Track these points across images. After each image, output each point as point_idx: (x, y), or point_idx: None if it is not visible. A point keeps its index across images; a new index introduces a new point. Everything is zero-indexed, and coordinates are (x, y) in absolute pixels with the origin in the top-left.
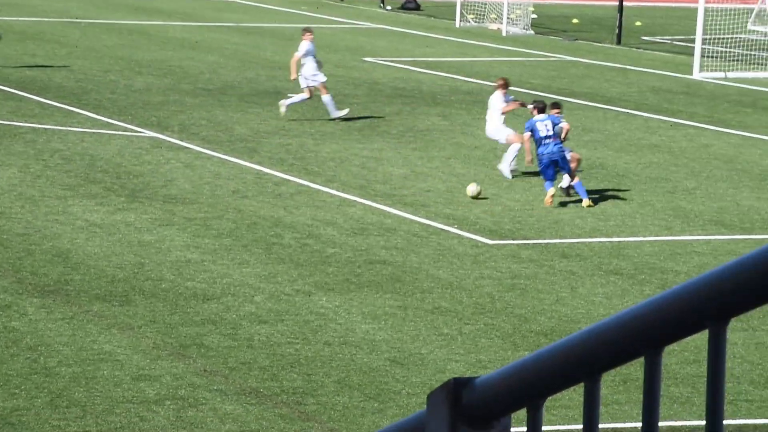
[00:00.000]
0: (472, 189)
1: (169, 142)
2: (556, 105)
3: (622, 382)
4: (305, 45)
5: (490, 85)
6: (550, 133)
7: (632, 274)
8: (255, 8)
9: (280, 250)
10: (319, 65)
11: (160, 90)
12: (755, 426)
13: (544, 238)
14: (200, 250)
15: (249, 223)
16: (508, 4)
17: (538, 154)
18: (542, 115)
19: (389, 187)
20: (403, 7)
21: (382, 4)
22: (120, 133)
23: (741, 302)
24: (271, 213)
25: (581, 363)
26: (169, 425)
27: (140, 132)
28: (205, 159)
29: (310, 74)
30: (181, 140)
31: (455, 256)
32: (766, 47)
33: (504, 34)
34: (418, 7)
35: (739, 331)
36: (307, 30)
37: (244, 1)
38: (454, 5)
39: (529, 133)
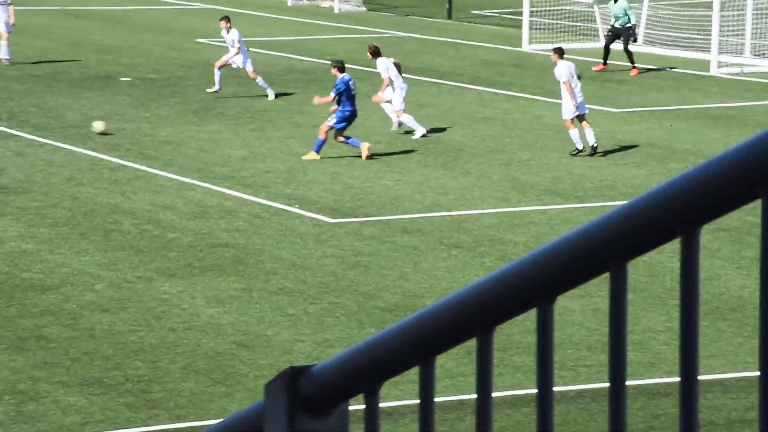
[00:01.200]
0: (98, 126)
1: None
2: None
3: (466, 354)
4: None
5: (324, 63)
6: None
7: (472, 246)
8: None
9: (120, 237)
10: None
11: None
12: (594, 390)
13: (386, 215)
14: (36, 240)
15: (86, 210)
16: None
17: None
18: (346, 75)
19: (228, 169)
20: None
21: None
22: None
23: (567, 280)
24: (108, 199)
25: (414, 346)
26: (8, 421)
27: None
28: (36, 147)
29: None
30: (11, 128)
31: (298, 236)
32: (592, 19)
33: (336, 11)
34: None
35: (577, 298)
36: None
37: None
38: None
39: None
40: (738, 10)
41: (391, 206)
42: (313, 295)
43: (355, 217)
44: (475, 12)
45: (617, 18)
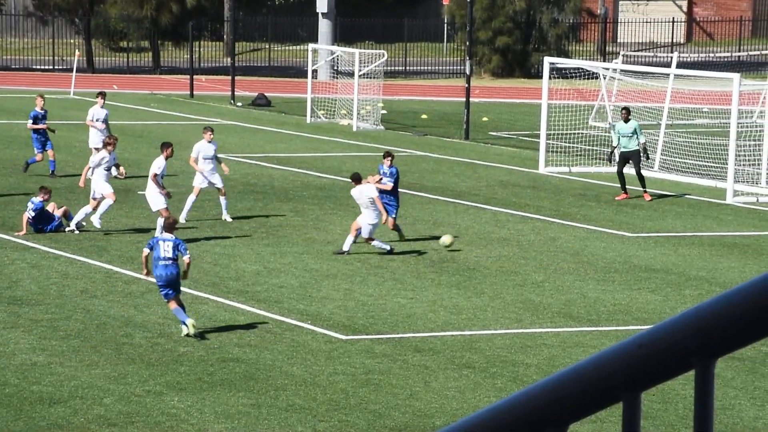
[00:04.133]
0: (445, 239)
1: (14, 242)
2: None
3: None
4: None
5: (342, 180)
6: None
7: (484, 367)
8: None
9: (131, 350)
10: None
11: (3, 188)
12: None
13: (398, 333)
14: (47, 352)
15: (98, 323)
16: (358, 100)
17: None
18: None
19: (242, 283)
20: (254, 104)
21: (232, 101)
22: None
23: (579, 410)
24: (121, 312)
25: None
26: None
27: None
28: (52, 259)
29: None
30: (27, 240)
31: (309, 352)
32: (606, 142)
33: (354, 129)
34: (268, 103)
35: (588, 422)
36: (207, 129)
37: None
38: (305, 101)
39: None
40: (754, 139)
41: (404, 324)
42: (322, 413)
43: (368, 334)
44: (492, 133)
45: (627, 138)
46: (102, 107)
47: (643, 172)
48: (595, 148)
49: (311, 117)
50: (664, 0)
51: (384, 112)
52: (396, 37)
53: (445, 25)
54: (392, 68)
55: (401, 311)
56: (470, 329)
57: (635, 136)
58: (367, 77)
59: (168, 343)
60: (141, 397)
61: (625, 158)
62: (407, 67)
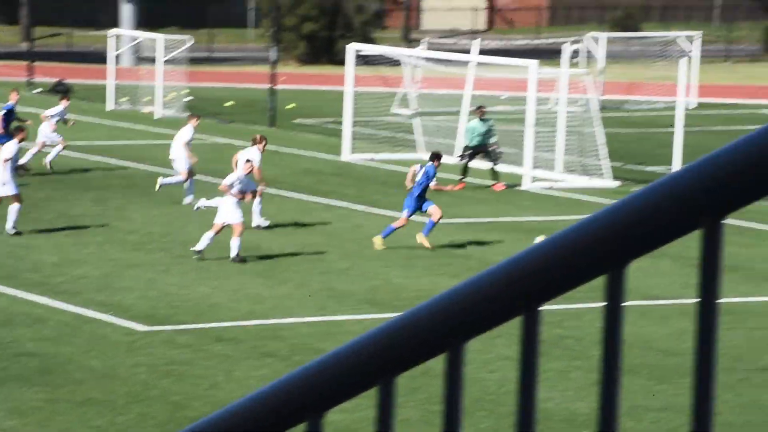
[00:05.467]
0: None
1: None
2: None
3: None
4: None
5: (144, 169)
6: None
7: (287, 355)
8: None
9: None
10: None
11: None
12: None
13: (201, 323)
14: None
15: None
16: (162, 87)
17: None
18: None
19: (40, 275)
20: (54, 90)
21: (29, 87)
22: None
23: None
24: None
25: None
26: None
27: None
28: None
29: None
30: None
31: (109, 345)
32: (409, 129)
33: (158, 116)
34: (69, 90)
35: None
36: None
37: None
38: (105, 88)
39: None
40: (550, 126)
41: (207, 314)
42: (121, 406)
43: (170, 324)
44: (298, 120)
45: (481, 135)
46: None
47: (452, 160)
48: (398, 135)
49: (114, 104)
50: None
51: (189, 98)
52: (201, 22)
53: (251, 10)
54: (197, 54)
55: (204, 301)
56: (274, 318)
57: (489, 134)
58: (171, 63)
59: None
60: None
61: (479, 152)
62: (213, 54)
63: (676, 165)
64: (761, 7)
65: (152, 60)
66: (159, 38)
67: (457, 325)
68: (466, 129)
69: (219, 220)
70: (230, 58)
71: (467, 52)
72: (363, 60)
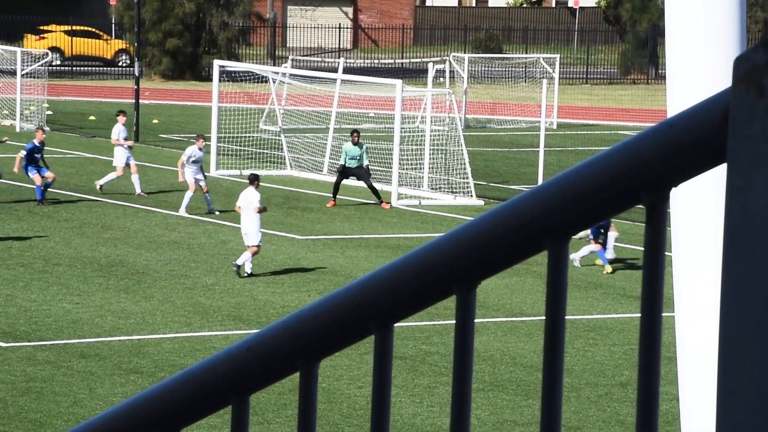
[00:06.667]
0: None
1: None
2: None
3: None
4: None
5: (2, 182)
6: None
7: (152, 371)
8: None
9: None
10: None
11: None
12: None
13: (62, 339)
14: None
15: None
16: (22, 100)
17: None
18: None
19: None
20: None
21: None
22: None
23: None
24: None
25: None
26: None
27: None
28: None
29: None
30: None
31: None
32: (276, 146)
33: (18, 130)
34: None
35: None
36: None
37: None
38: None
39: None
40: (417, 144)
41: (69, 330)
42: None
43: (30, 341)
44: (162, 135)
45: (355, 159)
46: (201, 149)
47: (318, 177)
48: (266, 151)
49: None
50: (331, 6)
51: (50, 113)
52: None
53: (113, 25)
54: (58, 68)
55: (66, 317)
56: (138, 334)
57: (362, 157)
58: (30, 77)
59: None
60: None
61: (349, 174)
62: (74, 67)
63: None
64: (618, 32)
65: (11, 73)
66: (17, 51)
67: (307, 345)
68: (343, 150)
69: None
70: (92, 72)
71: (332, 70)
72: (229, 76)
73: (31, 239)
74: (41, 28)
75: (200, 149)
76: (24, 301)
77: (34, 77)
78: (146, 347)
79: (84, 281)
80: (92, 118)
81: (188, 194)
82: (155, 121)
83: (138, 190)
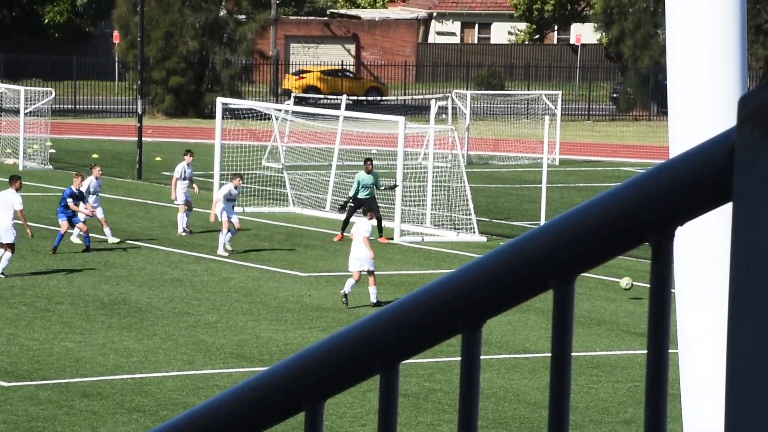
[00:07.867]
0: (625, 282)
1: None
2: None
3: None
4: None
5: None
6: None
7: (155, 410)
8: None
9: None
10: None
11: None
12: None
13: (64, 378)
14: None
15: None
16: (25, 138)
17: None
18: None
19: None
20: None
21: None
22: None
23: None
24: None
25: None
26: None
27: None
28: None
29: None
30: None
31: None
32: (280, 183)
33: (21, 168)
34: None
35: None
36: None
37: None
38: None
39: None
40: (419, 180)
41: (71, 369)
42: None
43: (32, 380)
44: (165, 173)
45: (367, 188)
46: (189, 165)
47: (321, 214)
48: (268, 188)
49: None
50: (334, 44)
51: (52, 151)
52: (65, 74)
53: (117, 63)
54: (61, 106)
55: (69, 355)
56: (141, 372)
57: (374, 186)
58: (33, 115)
59: None
60: None
61: (360, 205)
62: (77, 105)
63: (542, 220)
64: (619, 68)
65: (14, 111)
66: (20, 90)
67: (313, 384)
68: (355, 180)
69: (355, 268)
70: (95, 110)
71: (335, 107)
72: (231, 113)
73: (34, 277)
74: None
75: (236, 188)
76: (26, 339)
77: (37, 116)
78: (149, 385)
79: (86, 320)
80: (95, 156)
81: (223, 232)
82: (158, 158)
83: (110, 239)
